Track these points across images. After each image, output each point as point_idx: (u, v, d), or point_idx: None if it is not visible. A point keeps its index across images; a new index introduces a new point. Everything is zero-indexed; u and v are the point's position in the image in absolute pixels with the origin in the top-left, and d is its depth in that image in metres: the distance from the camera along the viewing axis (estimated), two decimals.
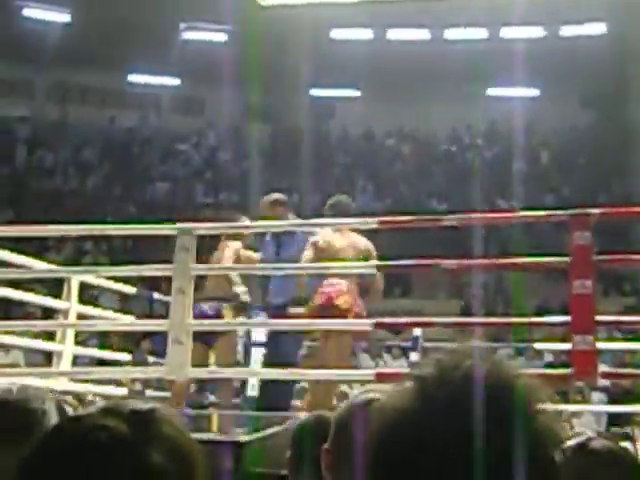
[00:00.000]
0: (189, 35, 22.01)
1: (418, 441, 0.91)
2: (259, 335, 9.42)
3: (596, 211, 5.20)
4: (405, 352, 10.68)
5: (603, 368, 9.95)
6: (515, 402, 0.92)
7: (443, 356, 0.97)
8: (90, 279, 7.90)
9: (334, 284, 6.38)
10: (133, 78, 23.00)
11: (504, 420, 0.90)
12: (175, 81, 23.06)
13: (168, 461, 0.99)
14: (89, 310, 7.78)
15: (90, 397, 7.18)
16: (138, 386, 9.28)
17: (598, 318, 5.10)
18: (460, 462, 0.88)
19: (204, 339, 6.64)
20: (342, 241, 6.52)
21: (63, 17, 20.87)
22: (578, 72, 20.46)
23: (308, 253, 6.47)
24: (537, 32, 20.99)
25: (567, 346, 5.38)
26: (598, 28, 20.96)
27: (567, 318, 5.11)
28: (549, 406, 0.94)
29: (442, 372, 0.94)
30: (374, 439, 0.95)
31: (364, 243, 6.56)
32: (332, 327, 6.29)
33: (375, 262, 6.44)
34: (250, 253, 7.08)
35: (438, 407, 0.91)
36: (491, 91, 22.53)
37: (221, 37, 21.78)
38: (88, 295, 12.02)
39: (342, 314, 6.33)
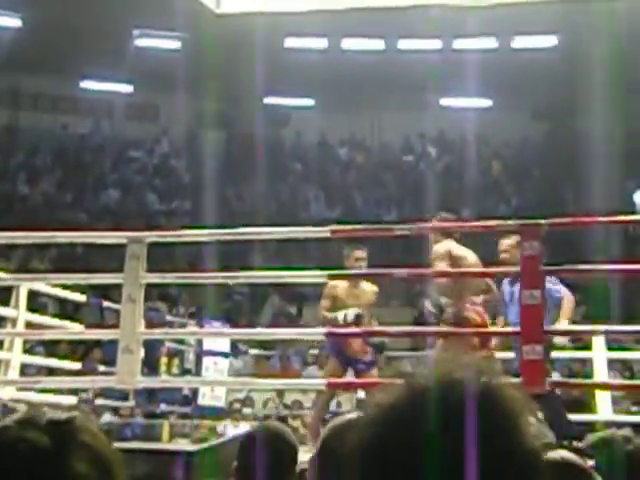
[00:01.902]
0: (143, 42, 21.86)
1: (406, 446, 0.91)
2: (211, 344, 9.40)
3: (545, 222, 5.25)
4: None
5: (554, 377, 10.04)
6: (502, 412, 0.94)
7: (434, 364, 0.99)
8: (39, 287, 7.82)
9: (477, 303, 6.43)
10: (86, 84, 22.78)
11: (492, 429, 0.92)
12: (128, 88, 22.89)
13: (91, 470, 0.99)
14: (38, 318, 7.70)
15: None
16: (89, 394, 9.20)
17: (547, 328, 5.15)
18: (448, 467, 0.89)
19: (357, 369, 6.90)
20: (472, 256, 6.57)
21: (14, 22, 20.61)
22: (530, 83, 20.66)
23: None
24: (489, 43, 21.16)
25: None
26: (549, 40, 21.18)
27: (517, 328, 5.16)
28: (533, 416, 0.96)
29: (433, 381, 0.95)
30: (364, 441, 0.96)
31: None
32: (287, 336, 6.30)
33: (331, 272, 6.42)
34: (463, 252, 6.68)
35: (428, 414, 0.92)
36: (444, 101, 22.68)
37: (175, 44, 21.67)
38: (37, 303, 11.89)
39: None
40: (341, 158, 23.73)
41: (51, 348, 11.50)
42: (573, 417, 8.98)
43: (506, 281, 6.59)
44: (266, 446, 2.46)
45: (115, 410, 10.07)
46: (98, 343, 11.19)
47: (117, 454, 1.05)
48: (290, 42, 21.85)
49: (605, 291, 13.44)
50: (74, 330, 8.15)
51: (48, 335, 7.81)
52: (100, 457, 1.01)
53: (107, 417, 9.79)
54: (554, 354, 7.30)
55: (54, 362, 8.95)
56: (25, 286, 7.15)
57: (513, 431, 0.93)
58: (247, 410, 10.20)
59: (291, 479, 2.00)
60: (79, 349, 11.88)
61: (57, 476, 0.96)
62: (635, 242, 17.49)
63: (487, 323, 6.34)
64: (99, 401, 9.46)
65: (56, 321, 8.39)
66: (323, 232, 6.19)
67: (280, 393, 10.75)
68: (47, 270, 15.27)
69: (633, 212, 17.45)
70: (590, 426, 6.95)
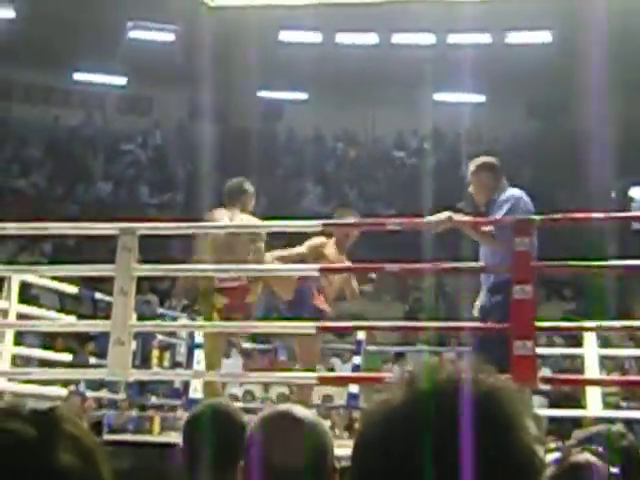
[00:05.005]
0: (136, 34, 21.81)
1: (407, 448, 0.92)
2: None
3: (537, 217, 5.27)
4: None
5: (545, 373, 10.07)
6: (501, 413, 0.94)
7: (430, 364, 0.99)
8: (31, 278, 7.79)
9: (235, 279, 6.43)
10: (78, 76, 22.72)
11: (492, 429, 0.92)
12: (121, 80, 22.84)
13: (76, 460, 0.97)
14: (30, 310, 7.67)
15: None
16: (82, 387, 9.19)
17: (538, 324, 5.15)
18: (448, 468, 0.90)
19: None
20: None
21: (7, 13, 20.55)
22: (524, 80, 20.67)
23: None
24: (483, 39, 21.16)
25: None
26: (544, 36, 21.20)
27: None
28: (533, 416, 0.97)
29: (434, 382, 0.96)
30: (363, 443, 0.97)
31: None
32: (278, 331, 6.26)
33: (319, 265, 6.40)
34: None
35: (428, 415, 0.93)
36: (437, 96, 22.66)
37: (169, 37, 21.64)
38: (30, 295, 11.86)
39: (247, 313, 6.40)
40: (335, 153, 23.72)
41: (48, 341, 11.50)
42: (563, 413, 9.03)
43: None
44: (215, 426, 2.32)
45: (109, 403, 10.07)
46: (92, 336, 11.21)
47: (102, 448, 1.04)
48: (284, 36, 21.84)
49: (601, 289, 13.45)
50: (65, 322, 8.13)
51: (39, 326, 7.79)
52: (85, 449, 1.00)
53: (99, 410, 9.79)
54: (546, 350, 7.34)
55: (45, 354, 8.92)
56: (16, 278, 7.13)
57: (512, 432, 0.93)
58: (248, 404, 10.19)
59: (238, 462, 1.85)
60: (75, 342, 11.87)
61: (44, 468, 0.95)
62: (631, 240, 17.51)
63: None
64: (91, 394, 9.44)
65: (48, 313, 8.36)
66: (315, 226, 6.18)
67: (266, 387, 10.79)
68: (39, 262, 15.21)
69: (628, 209, 17.51)
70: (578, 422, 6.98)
